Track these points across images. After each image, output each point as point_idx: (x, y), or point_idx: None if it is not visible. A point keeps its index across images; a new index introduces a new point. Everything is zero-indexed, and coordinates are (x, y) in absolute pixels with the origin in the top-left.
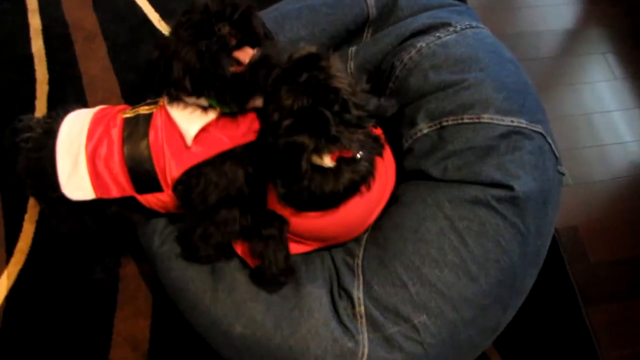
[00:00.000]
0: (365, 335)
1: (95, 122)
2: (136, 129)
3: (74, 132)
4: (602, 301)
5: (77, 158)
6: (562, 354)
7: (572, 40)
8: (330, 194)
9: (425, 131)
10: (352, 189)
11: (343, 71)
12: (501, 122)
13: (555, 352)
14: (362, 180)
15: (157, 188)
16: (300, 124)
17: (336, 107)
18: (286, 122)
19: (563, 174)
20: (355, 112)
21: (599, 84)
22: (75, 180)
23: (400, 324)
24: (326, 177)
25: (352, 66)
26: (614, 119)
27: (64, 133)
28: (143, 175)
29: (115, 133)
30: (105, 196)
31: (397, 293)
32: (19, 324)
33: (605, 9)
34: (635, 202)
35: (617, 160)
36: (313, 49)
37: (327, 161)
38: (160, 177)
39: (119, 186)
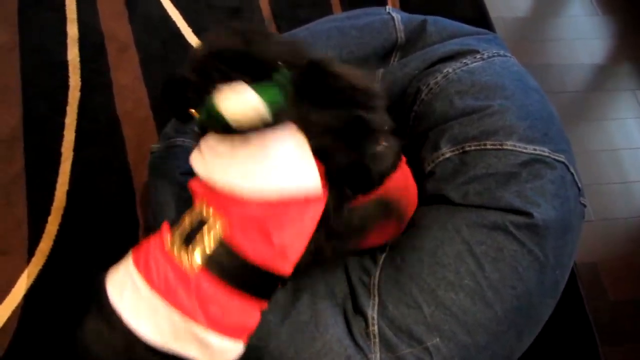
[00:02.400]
0: (378, 355)
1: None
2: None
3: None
4: (619, 340)
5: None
6: None
7: (601, 75)
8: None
9: (447, 155)
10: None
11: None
12: (524, 150)
13: None
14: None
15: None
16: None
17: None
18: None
19: (585, 206)
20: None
21: (627, 120)
22: None
23: (413, 345)
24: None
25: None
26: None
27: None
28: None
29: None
30: None
31: (411, 314)
32: (36, 323)
33: (636, 44)
34: None
35: (636, 197)
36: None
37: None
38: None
39: None
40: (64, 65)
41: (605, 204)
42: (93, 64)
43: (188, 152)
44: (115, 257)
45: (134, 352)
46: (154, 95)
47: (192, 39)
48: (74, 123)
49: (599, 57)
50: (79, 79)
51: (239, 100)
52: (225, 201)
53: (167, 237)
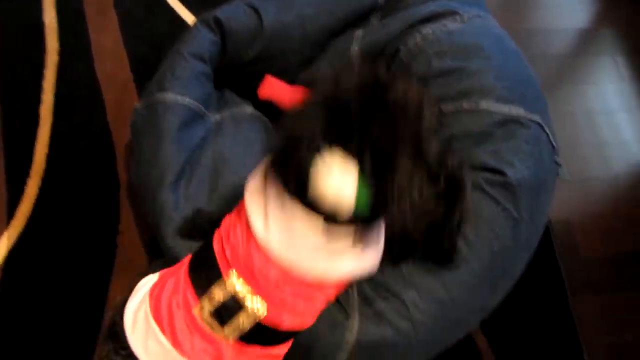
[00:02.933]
0: (357, 310)
1: None
2: None
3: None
4: (588, 293)
5: None
6: (547, 341)
7: (584, 40)
8: None
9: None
10: None
11: None
12: (499, 110)
13: (540, 338)
14: None
15: None
16: None
17: None
18: None
19: (559, 165)
20: None
21: (605, 84)
22: None
23: (390, 299)
24: None
25: (356, 49)
26: (618, 119)
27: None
28: None
29: None
30: None
31: (388, 269)
32: (17, 285)
33: (620, 10)
34: (631, 201)
35: (617, 160)
36: None
37: None
38: None
39: None
40: (40, 28)
41: (581, 165)
42: (71, 27)
43: (171, 107)
44: (95, 219)
45: None
46: (135, 58)
47: (173, 1)
48: (53, 87)
49: (583, 22)
50: (57, 42)
51: (336, 185)
52: (281, 282)
53: (191, 301)
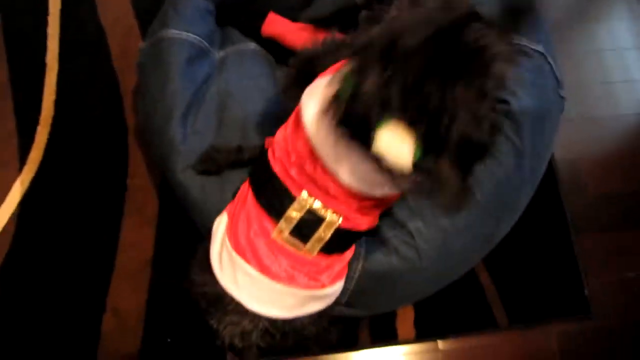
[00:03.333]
0: (364, 238)
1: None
2: None
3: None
4: (593, 230)
5: None
6: (549, 277)
7: None
8: None
9: None
10: None
11: None
12: None
13: (542, 275)
14: None
15: None
16: None
17: None
18: None
19: (564, 98)
20: None
21: (614, 21)
22: None
23: (396, 228)
24: None
25: None
26: (628, 58)
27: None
28: None
29: None
30: None
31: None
32: (32, 229)
33: None
34: (637, 139)
35: (625, 98)
36: None
37: None
38: None
39: None
40: None
41: (587, 103)
42: None
43: (175, 43)
44: (104, 164)
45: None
46: (139, 4)
47: None
48: (57, 34)
49: None
50: None
51: (396, 145)
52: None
53: (268, 227)
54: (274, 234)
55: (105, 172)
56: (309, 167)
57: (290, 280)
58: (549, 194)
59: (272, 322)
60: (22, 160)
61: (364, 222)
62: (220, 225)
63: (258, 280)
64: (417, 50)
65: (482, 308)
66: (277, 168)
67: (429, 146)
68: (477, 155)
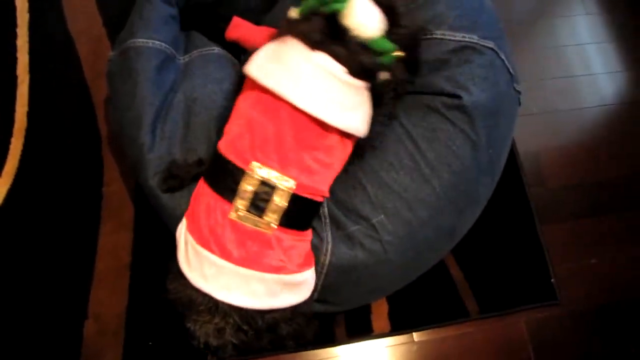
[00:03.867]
0: (329, 233)
1: None
2: None
3: None
4: (556, 221)
5: None
6: (517, 267)
7: None
8: None
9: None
10: None
11: None
12: (453, 38)
13: (511, 265)
14: None
15: None
16: None
17: None
18: None
19: (519, 92)
20: None
21: (573, 17)
22: None
23: (360, 222)
24: None
25: None
26: (586, 52)
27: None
28: None
29: None
30: None
31: (357, 195)
32: (10, 239)
33: None
34: (597, 131)
35: (586, 92)
36: None
37: None
38: None
39: None
40: None
41: (549, 98)
42: None
43: (142, 51)
44: (79, 173)
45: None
46: (106, 13)
47: None
48: (26, 45)
49: None
50: (26, 1)
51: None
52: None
53: (226, 209)
54: (232, 215)
55: (81, 180)
56: (259, 127)
57: (254, 262)
58: (513, 186)
59: (244, 317)
60: None
61: (319, 180)
62: (182, 229)
63: (223, 267)
64: None
65: (453, 299)
66: (223, 148)
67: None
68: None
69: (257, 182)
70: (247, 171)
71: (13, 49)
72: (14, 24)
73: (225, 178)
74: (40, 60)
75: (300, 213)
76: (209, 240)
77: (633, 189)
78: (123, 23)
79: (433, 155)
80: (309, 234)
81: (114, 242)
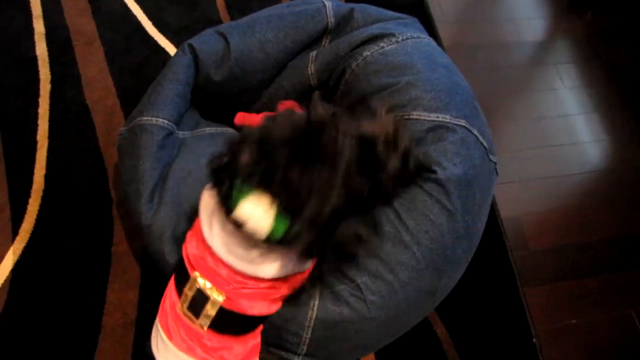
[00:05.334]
0: (318, 291)
1: None
2: None
3: None
4: (537, 283)
5: None
6: (501, 327)
7: (538, 51)
8: None
9: None
10: None
11: None
12: (427, 118)
13: (495, 326)
14: None
15: None
16: None
17: None
18: None
19: (495, 163)
20: None
21: (550, 91)
22: None
23: (346, 282)
24: None
25: (312, 69)
26: (568, 121)
27: None
28: None
29: None
30: None
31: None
32: (23, 294)
33: (570, 22)
34: (578, 197)
35: (568, 160)
36: None
37: None
38: None
39: None
40: (33, 60)
41: (528, 166)
42: (61, 57)
43: (146, 129)
44: (91, 233)
45: None
46: (120, 85)
47: (153, 31)
48: (47, 113)
49: (539, 34)
50: (49, 72)
51: (257, 213)
52: (230, 278)
53: (175, 300)
54: (178, 308)
55: (92, 240)
56: (200, 248)
57: (189, 350)
58: (496, 250)
59: None
60: (15, 231)
61: (251, 307)
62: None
63: (167, 346)
64: (283, 142)
65: (439, 357)
66: (183, 251)
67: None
68: (331, 224)
69: (195, 289)
70: (191, 277)
71: (35, 116)
72: (36, 94)
73: (180, 274)
74: (58, 127)
75: (230, 322)
76: (162, 318)
77: (611, 252)
78: (135, 95)
79: (412, 223)
80: (248, 338)
81: (121, 300)
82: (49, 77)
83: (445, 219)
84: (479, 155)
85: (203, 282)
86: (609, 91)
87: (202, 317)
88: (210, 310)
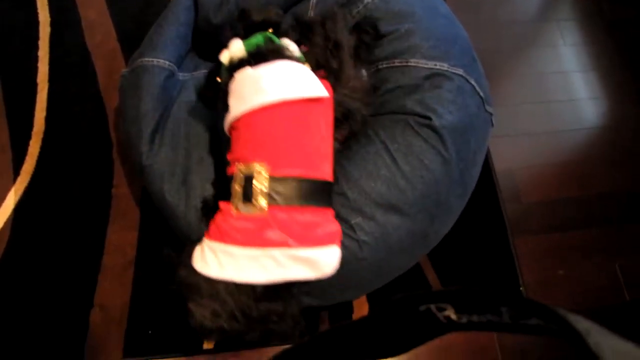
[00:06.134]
0: None
1: None
2: None
3: None
4: (528, 233)
5: None
6: (489, 276)
7: (542, 7)
8: None
9: (365, 74)
10: None
11: None
12: (425, 65)
13: (484, 273)
14: None
15: None
16: None
17: None
18: None
19: (491, 114)
20: None
21: (555, 47)
22: None
23: (341, 223)
24: None
25: (311, 14)
26: (559, 80)
27: None
28: None
29: None
30: None
31: (338, 200)
32: (25, 234)
33: None
34: (569, 153)
35: (559, 116)
36: None
37: None
38: None
39: None
40: (32, 2)
41: (524, 121)
42: (60, 0)
43: (148, 69)
44: (91, 175)
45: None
46: (120, 29)
47: None
48: (47, 56)
49: None
50: (48, 15)
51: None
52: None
53: (227, 208)
54: (233, 211)
55: (92, 182)
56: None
57: (257, 241)
58: (489, 201)
59: (240, 305)
60: (16, 171)
61: (298, 159)
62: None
63: (233, 253)
64: None
65: None
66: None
67: None
68: None
69: (241, 179)
70: (235, 173)
71: (35, 59)
72: (36, 37)
73: (227, 188)
74: (59, 70)
75: (287, 191)
76: (221, 234)
77: (604, 207)
78: (135, 38)
79: (408, 168)
80: (320, 211)
81: (121, 240)
82: (48, 19)
83: (439, 165)
84: (475, 105)
85: (245, 166)
86: (609, 50)
87: (256, 198)
88: (260, 184)
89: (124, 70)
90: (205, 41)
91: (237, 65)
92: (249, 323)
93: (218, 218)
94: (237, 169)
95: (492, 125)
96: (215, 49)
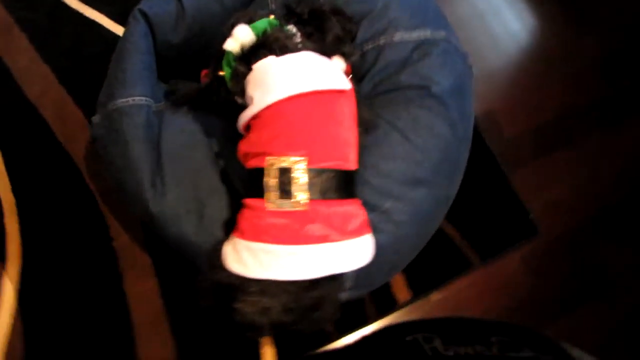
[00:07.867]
0: None
1: None
2: None
3: None
4: (518, 165)
5: None
6: (499, 213)
7: None
8: None
9: (353, 59)
10: None
11: None
12: (410, 38)
13: (493, 213)
14: None
15: None
16: None
17: None
18: None
19: (471, 67)
20: None
21: None
22: None
23: (373, 212)
24: None
25: (275, 4)
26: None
27: None
28: None
29: None
30: None
31: (362, 190)
32: (38, 320)
33: None
34: (528, 82)
35: (509, 48)
36: None
37: None
38: None
39: None
40: None
41: (482, 59)
42: None
43: (125, 111)
44: (85, 235)
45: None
46: (58, 69)
47: (76, 4)
48: None
49: None
50: None
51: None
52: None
53: (259, 204)
54: (268, 206)
55: (89, 242)
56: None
57: (299, 239)
58: (477, 144)
59: (292, 296)
60: (1, 257)
61: (332, 150)
62: (224, 244)
63: (274, 252)
64: None
65: (455, 255)
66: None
67: None
68: None
69: (275, 171)
70: (265, 166)
71: None
72: None
73: (254, 182)
74: (7, 132)
75: (324, 183)
76: (257, 232)
77: (568, 124)
78: (79, 77)
79: (420, 141)
80: (353, 202)
81: (141, 290)
82: None
83: (447, 129)
84: (460, 62)
85: (279, 160)
86: None
87: (295, 191)
88: (301, 177)
89: (94, 117)
90: (168, 64)
91: (252, 53)
92: (301, 313)
93: (248, 215)
94: (268, 162)
95: (473, 75)
96: (179, 68)
